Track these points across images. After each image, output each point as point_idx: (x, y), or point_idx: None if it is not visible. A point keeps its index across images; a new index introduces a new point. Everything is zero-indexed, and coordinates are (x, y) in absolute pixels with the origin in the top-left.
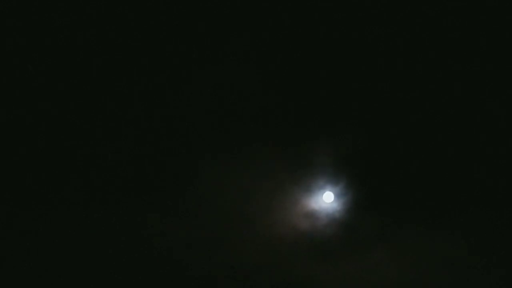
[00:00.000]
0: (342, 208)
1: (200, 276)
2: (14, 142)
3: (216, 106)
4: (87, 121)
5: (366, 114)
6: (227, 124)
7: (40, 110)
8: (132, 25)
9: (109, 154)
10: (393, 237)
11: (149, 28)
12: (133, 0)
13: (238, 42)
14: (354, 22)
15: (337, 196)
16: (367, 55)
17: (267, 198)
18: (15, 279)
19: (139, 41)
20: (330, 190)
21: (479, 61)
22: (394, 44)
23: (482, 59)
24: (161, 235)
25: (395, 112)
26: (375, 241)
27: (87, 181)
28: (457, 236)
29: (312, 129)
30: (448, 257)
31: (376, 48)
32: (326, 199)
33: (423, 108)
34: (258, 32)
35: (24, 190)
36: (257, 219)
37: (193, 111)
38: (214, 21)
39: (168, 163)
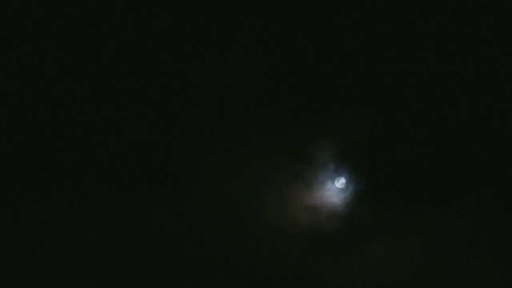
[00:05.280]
0: (344, 202)
1: (201, 270)
2: (20, 137)
3: (219, 103)
4: (93, 119)
5: (367, 107)
6: (230, 121)
7: (47, 105)
8: (137, 21)
9: (117, 150)
10: (396, 231)
11: (153, 24)
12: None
13: (239, 40)
14: (351, 14)
15: (339, 190)
16: (366, 50)
17: (270, 193)
18: (18, 278)
19: (143, 38)
20: (340, 178)
21: (478, 50)
22: (392, 37)
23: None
24: (166, 228)
25: (397, 104)
26: (378, 235)
27: (95, 177)
28: (461, 228)
29: (313, 124)
30: (452, 250)
31: (374, 42)
32: (339, 184)
33: (424, 101)
34: (259, 30)
35: (28, 186)
36: (260, 213)
37: (198, 109)
38: (216, 19)
39: (172, 160)
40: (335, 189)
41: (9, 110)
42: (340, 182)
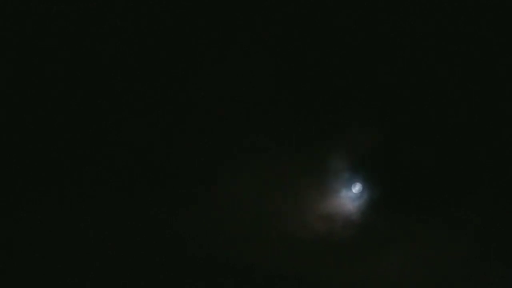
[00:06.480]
0: (359, 209)
1: (214, 276)
2: (20, 137)
3: (237, 111)
4: (109, 124)
5: (383, 114)
6: (247, 128)
7: (47, 105)
8: (137, 21)
9: (126, 151)
10: (411, 238)
11: (163, 26)
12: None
13: (252, 46)
14: (366, 18)
15: (354, 197)
16: (380, 56)
17: (285, 200)
18: (18, 278)
19: (156, 40)
20: (354, 186)
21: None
22: (408, 42)
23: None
24: (183, 234)
25: (411, 110)
26: (393, 242)
27: (95, 177)
28: (480, 236)
29: (328, 131)
30: (470, 258)
31: (389, 48)
32: (355, 190)
33: (441, 106)
34: (271, 33)
35: (28, 186)
36: (275, 221)
37: (216, 115)
38: (226, 20)
39: (188, 167)
40: (351, 196)
41: (9, 110)
42: (357, 188)
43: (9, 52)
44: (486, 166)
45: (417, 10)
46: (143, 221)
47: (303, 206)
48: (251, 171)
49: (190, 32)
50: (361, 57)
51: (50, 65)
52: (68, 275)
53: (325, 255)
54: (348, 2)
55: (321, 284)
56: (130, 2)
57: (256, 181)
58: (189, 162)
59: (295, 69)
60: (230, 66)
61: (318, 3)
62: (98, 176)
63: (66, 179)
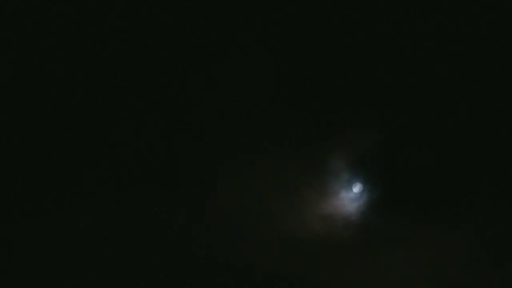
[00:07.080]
0: (359, 210)
1: (214, 276)
2: (20, 137)
3: (234, 110)
4: (109, 124)
5: (383, 114)
6: (245, 128)
7: (47, 105)
8: (144, 22)
9: (136, 153)
10: (412, 239)
11: (163, 26)
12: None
13: (252, 46)
14: (366, 18)
15: (354, 198)
16: (380, 56)
17: (284, 200)
18: (18, 278)
19: (156, 40)
20: (355, 185)
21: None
22: (408, 42)
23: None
24: (181, 234)
25: (411, 111)
26: (392, 243)
27: (114, 180)
28: (483, 237)
29: (328, 131)
30: (472, 260)
31: (389, 48)
32: (356, 189)
33: (442, 107)
34: (271, 33)
35: (28, 186)
36: (274, 221)
37: (213, 115)
38: (226, 20)
39: (186, 165)
40: (350, 197)
41: (9, 110)
42: (357, 188)
43: (9, 52)
44: (486, 166)
45: (417, 10)
46: (143, 221)
47: (303, 206)
48: (251, 171)
49: (190, 32)
50: (361, 57)
51: (50, 65)
52: (68, 275)
53: (325, 255)
54: (348, 2)
55: (321, 284)
56: (130, 2)
57: (256, 181)
58: (189, 162)
59: (295, 69)
60: (230, 66)
61: (318, 3)
62: (98, 176)
63: (66, 179)
